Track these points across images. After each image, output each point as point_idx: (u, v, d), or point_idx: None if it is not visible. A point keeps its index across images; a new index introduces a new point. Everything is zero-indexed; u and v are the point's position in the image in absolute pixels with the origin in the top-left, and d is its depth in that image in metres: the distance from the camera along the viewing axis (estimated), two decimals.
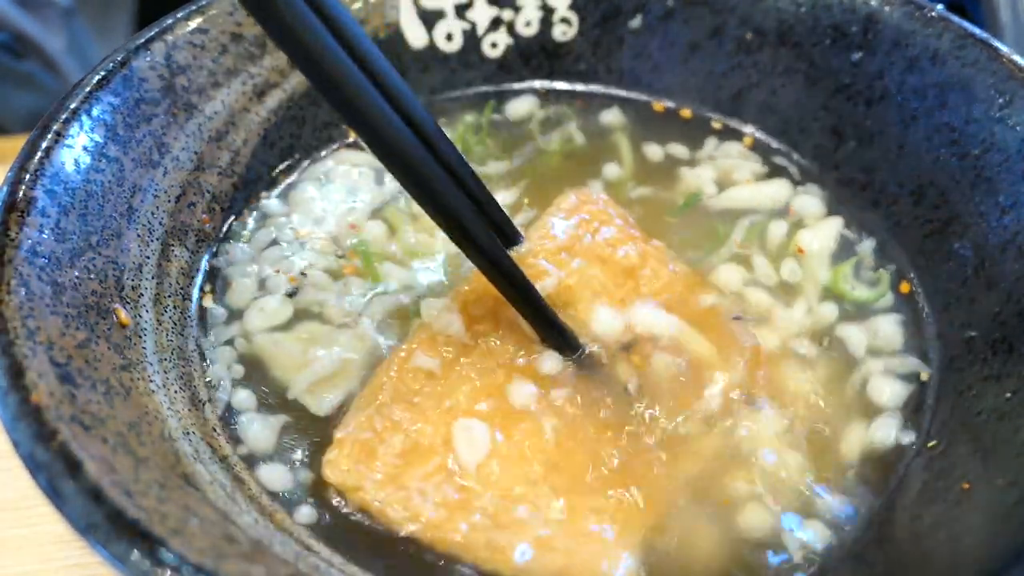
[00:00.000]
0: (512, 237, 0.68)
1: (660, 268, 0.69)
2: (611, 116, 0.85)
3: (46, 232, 0.53)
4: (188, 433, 0.55)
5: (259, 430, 0.61)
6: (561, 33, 0.84)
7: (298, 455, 0.60)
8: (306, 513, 0.57)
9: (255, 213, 0.75)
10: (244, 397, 0.63)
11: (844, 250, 0.75)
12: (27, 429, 0.43)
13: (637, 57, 0.85)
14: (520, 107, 0.86)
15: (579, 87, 0.87)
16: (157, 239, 0.64)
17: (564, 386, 0.62)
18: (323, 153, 0.80)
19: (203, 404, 0.61)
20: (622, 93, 0.87)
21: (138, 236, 0.62)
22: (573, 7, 0.83)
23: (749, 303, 0.70)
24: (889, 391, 0.65)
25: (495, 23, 0.83)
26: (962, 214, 0.69)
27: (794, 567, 0.57)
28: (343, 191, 0.78)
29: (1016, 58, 0.66)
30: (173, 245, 0.65)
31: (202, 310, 0.67)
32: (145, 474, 0.46)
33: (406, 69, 0.82)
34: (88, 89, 0.60)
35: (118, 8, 1.32)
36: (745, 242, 0.75)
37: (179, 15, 0.68)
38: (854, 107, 0.77)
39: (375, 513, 0.57)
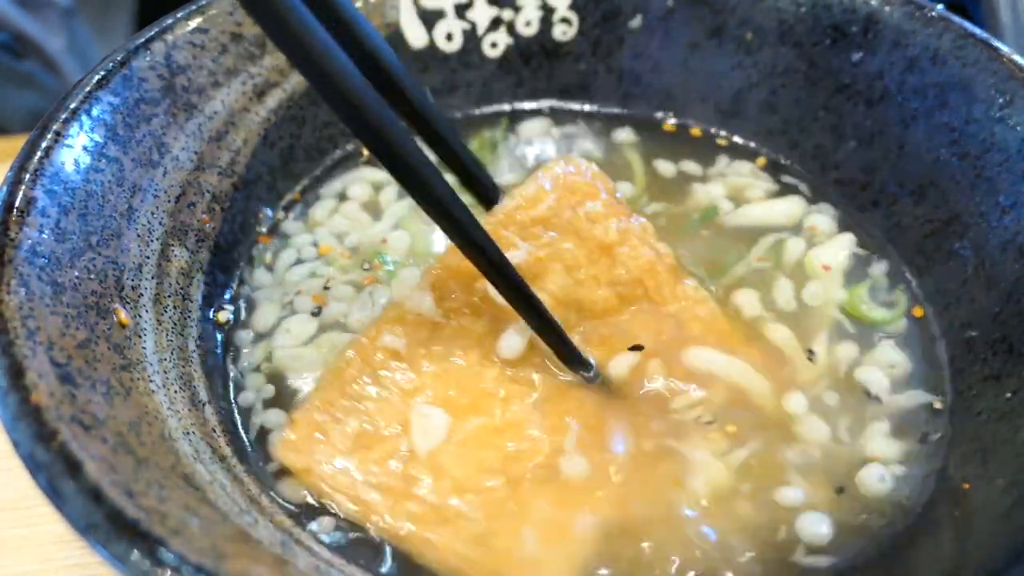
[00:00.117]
0: (494, 197, 0.68)
1: (640, 247, 0.68)
2: (623, 135, 0.85)
3: (46, 232, 0.53)
4: (188, 433, 0.55)
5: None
6: (561, 33, 0.84)
7: None
8: (322, 524, 0.57)
9: (276, 236, 0.76)
10: (274, 416, 0.63)
11: (857, 268, 0.74)
12: (27, 429, 0.43)
13: (637, 57, 0.85)
14: (534, 127, 0.86)
15: (587, 107, 0.88)
16: (157, 239, 0.64)
17: (533, 377, 0.62)
18: (335, 170, 0.81)
19: (203, 404, 0.61)
20: (629, 112, 0.87)
21: (138, 236, 0.62)
22: (573, 7, 0.83)
23: (767, 339, 0.68)
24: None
25: (495, 23, 0.83)
26: (962, 214, 0.69)
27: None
28: (361, 207, 0.79)
29: (1016, 58, 0.66)
30: (173, 245, 0.65)
31: (228, 337, 0.68)
32: (145, 474, 0.46)
33: (406, 69, 0.82)
34: (88, 89, 0.60)
35: (118, 8, 1.32)
36: (763, 259, 0.74)
37: (179, 15, 0.68)
38: (854, 107, 0.77)
39: (326, 498, 0.57)
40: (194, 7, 0.69)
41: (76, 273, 0.54)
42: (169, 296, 0.64)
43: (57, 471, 0.42)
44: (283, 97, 0.75)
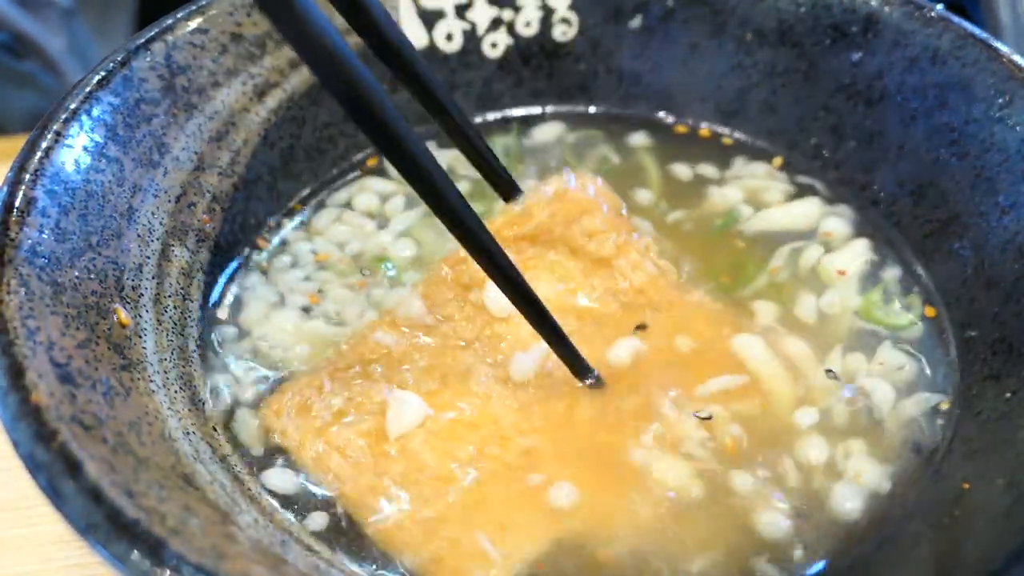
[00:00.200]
0: (512, 192, 0.71)
1: (642, 261, 0.69)
2: (638, 138, 0.85)
3: (46, 232, 0.53)
4: (188, 433, 0.55)
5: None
6: (561, 33, 0.84)
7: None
8: (316, 520, 0.57)
9: (274, 241, 0.76)
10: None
11: (871, 273, 0.73)
12: (27, 429, 0.43)
13: (637, 57, 0.85)
14: (547, 131, 0.86)
15: (592, 109, 0.88)
16: (157, 239, 0.64)
17: (525, 379, 0.62)
18: (340, 180, 0.81)
19: (203, 404, 0.61)
20: (629, 112, 0.87)
21: (138, 236, 0.62)
22: (573, 7, 0.83)
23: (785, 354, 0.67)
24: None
25: (495, 23, 0.83)
26: (962, 214, 0.69)
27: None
28: (366, 215, 0.78)
29: (1016, 58, 0.66)
30: (173, 245, 0.65)
31: (227, 335, 0.68)
32: (145, 474, 0.46)
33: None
34: (88, 89, 0.60)
35: (118, 8, 1.32)
36: (782, 268, 0.73)
37: (179, 15, 0.68)
38: (854, 107, 0.77)
39: (297, 460, 0.60)
40: (194, 7, 0.69)
41: (76, 273, 0.54)
42: (169, 296, 0.64)
43: (57, 471, 0.42)
44: (283, 97, 0.75)
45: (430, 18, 0.81)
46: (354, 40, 0.59)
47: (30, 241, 0.52)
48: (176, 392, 0.58)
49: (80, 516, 0.41)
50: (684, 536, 0.57)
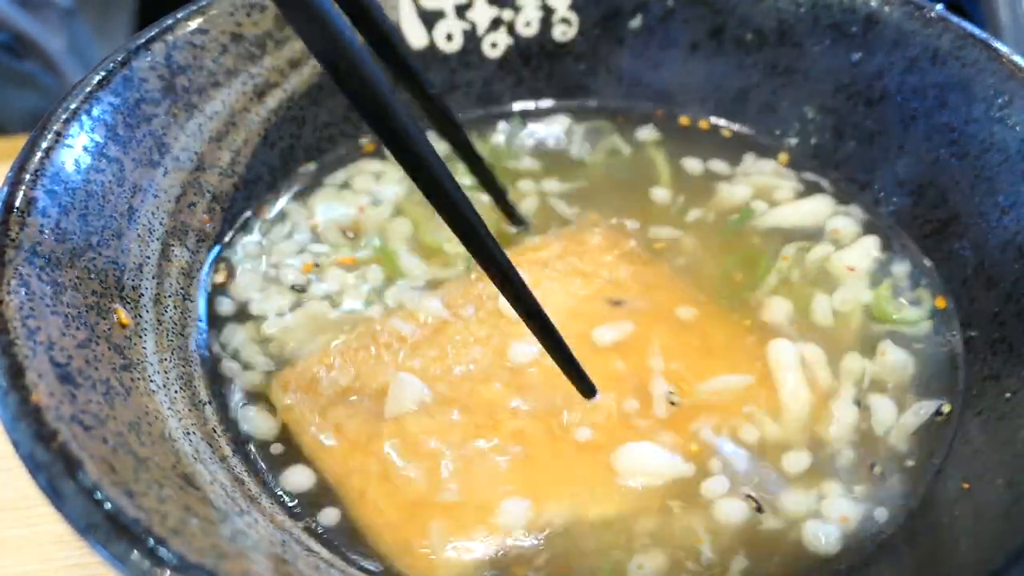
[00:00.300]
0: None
1: (656, 281, 0.70)
2: (646, 132, 0.85)
3: (46, 232, 0.53)
4: (188, 433, 0.55)
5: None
6: (561, 33, 0.84)
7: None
8: (316, 520, 0.58)
9: (273, 211, 0.76)
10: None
11: (880, 269, 0.73)
12: (27, 429, 0.43)
13: (637, 57, 0.85)
14: (553, 127, 0.86)
15: (591, 102, 0.87)
16: (157, 239, 0.64)
17: (531, 371, 0.63)
18: (333, 159, 0.81)
19: (203, 404, 0.61)
20: (640, 105, 0.87)
21: (138, 236, 0.62)
22: (573, 7, 0.83)
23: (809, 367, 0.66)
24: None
25: (495, 23, 0.83)
26: (962, 214, 0.69)
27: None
28: (362, 193, 0.79)
29: (1016, 58, 0.66)
30: (173, 245, 0.65)
31: (225, 335, 0.68)
32: (145, 474, 0.46)
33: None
34: (88, 89, 0.60)
35: (118, 8, 1.32)
36: (792, 267, 0.73)
37: (179, 15, 0.68)
38: (854, 107, 0.77)
39: (295, 432, 0.61)
40: (194, 7, 0.69)
41: (76, 273, 0.54)
42: (169, 296, 0.64)
43: (57, 471, 0.42)
44: (283, 97, 0.75)
45: (430, 18, 0.81)
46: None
47: (30, 241, 0.52)
48: (176, 392, 0.58)
49: (80, 516, 0.41)
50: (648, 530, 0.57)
